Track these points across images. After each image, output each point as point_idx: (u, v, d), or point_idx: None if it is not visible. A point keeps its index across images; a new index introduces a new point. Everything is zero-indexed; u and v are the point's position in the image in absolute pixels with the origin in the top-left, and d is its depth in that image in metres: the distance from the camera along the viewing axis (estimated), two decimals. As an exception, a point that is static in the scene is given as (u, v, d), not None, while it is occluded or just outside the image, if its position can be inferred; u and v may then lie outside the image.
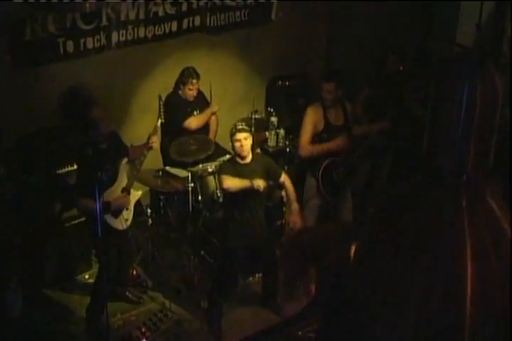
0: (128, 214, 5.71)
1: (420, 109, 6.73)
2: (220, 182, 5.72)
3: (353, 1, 7.58)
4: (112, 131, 5.60)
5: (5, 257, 5.65)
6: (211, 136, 6.99)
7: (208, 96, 6.94)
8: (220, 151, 6.88)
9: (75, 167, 5.95)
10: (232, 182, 5.58)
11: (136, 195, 5.84)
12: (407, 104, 6.88)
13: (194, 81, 6.63)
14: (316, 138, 6.32)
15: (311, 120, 6.32)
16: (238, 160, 5.75)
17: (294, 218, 5.88)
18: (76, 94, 6.35)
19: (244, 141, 5.62)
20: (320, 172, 6.27)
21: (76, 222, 6.13)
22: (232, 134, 5.67)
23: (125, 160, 5.63)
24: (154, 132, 5.82)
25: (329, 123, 6.32)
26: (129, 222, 5.71)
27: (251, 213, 5.81)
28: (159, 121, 5.94)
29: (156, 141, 5.83)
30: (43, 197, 6.04)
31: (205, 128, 6.92)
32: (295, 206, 5.90)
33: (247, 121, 7.28)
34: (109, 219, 5.50)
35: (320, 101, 6.34)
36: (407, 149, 6.91)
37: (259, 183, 5.55)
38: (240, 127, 5.67)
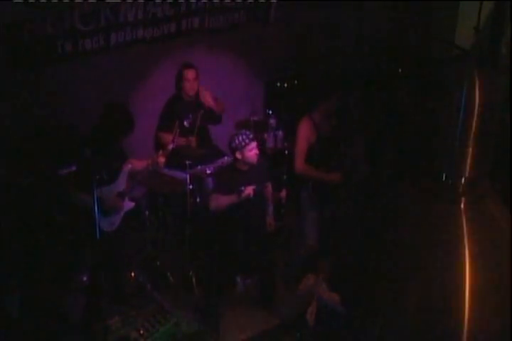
0: (116, 219, 5.70)
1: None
2: (209, 202, 5.75)
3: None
4: None
5: (4, 257, 5.64)
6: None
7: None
8: (219, 153, 6.88)
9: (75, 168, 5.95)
10: (217, 202, 5.65)
11: (129, 204, 5.82)
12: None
13: (188, 71, 6.61)
14: (310, 150, 6.21)
15: (304, 135, 6.15)
16: (240, 167, 5.71)
17: (270, 220, 6.10)
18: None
19: (256, 149, 5.67)
20: (311, 184, 6.22)
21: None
22: (243, 146, 5.58)
23: (129, 166, 5.66)
24: (164, 154, 5.79)
25: (320, 135, 6.20)
26: (114, 226, 5.69)
27: (249, 215, 5.81)
28: (171, 145, 5.87)
29: (163, 162, 5.80)
30: (41, 198, 6.03)
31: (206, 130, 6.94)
32: (271, 208, 6.14)
33: (247, 122, 7.31)
34: (98, 217, 5.48)
35: (308, 115, 6.18)
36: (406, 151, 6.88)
37: (249, 191, 5.58)
38: (251, 136, 5.65)
